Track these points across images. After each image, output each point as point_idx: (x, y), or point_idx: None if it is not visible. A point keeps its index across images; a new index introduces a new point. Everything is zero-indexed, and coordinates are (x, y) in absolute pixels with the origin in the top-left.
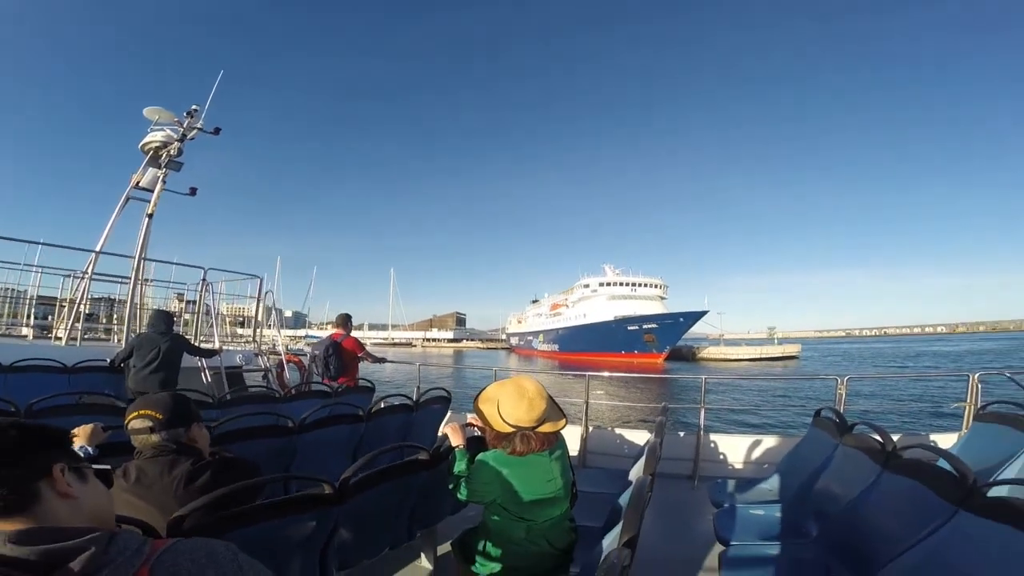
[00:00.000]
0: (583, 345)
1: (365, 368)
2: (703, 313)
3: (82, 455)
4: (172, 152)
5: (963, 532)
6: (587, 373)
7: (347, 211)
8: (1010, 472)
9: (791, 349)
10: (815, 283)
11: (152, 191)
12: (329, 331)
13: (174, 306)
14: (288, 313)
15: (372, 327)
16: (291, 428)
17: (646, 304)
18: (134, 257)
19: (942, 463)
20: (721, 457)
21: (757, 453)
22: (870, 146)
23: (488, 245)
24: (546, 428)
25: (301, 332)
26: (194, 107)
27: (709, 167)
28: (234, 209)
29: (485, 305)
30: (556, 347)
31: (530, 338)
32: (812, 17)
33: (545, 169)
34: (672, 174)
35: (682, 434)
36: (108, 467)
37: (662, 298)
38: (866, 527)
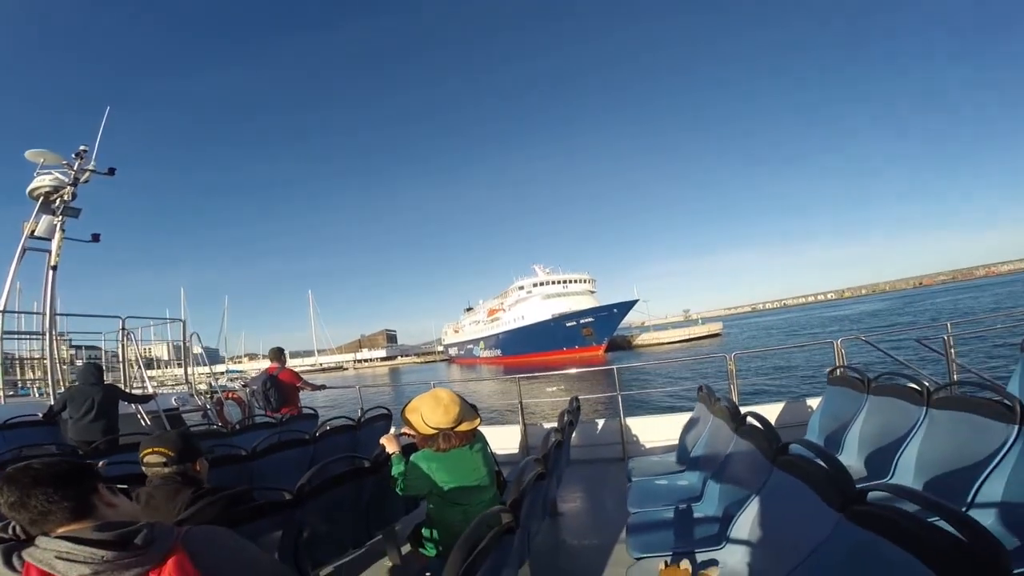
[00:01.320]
0: (525, 347)
1: (305, 397)
2: (634, 302)
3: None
4: (66, 197)
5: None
6: (518, 376)
7: (254, 237)
8: (854, 430)
9: (714, 328)
10: (720, 265)
11: (50, 240)
12: (246, 364)
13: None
14: (197, 349)
15: (295, 355)
16: (246, 456)
17: (579, 299)
18: (43, 314)
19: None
20: (642, 437)
21: (669, 430)
22: (754, 136)
23: (410, 259)
24: (463, 427)
25: (220, 367)
26: (83, 147)
27: (618, 163)
28: (127, 242)
29: (415, 319)
30: (499, 352)
31: (470, 346)
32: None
33: (458, 180)
34: (584, 172)
35: (604, 421)
36: (127, 486)
37: (592, 292)
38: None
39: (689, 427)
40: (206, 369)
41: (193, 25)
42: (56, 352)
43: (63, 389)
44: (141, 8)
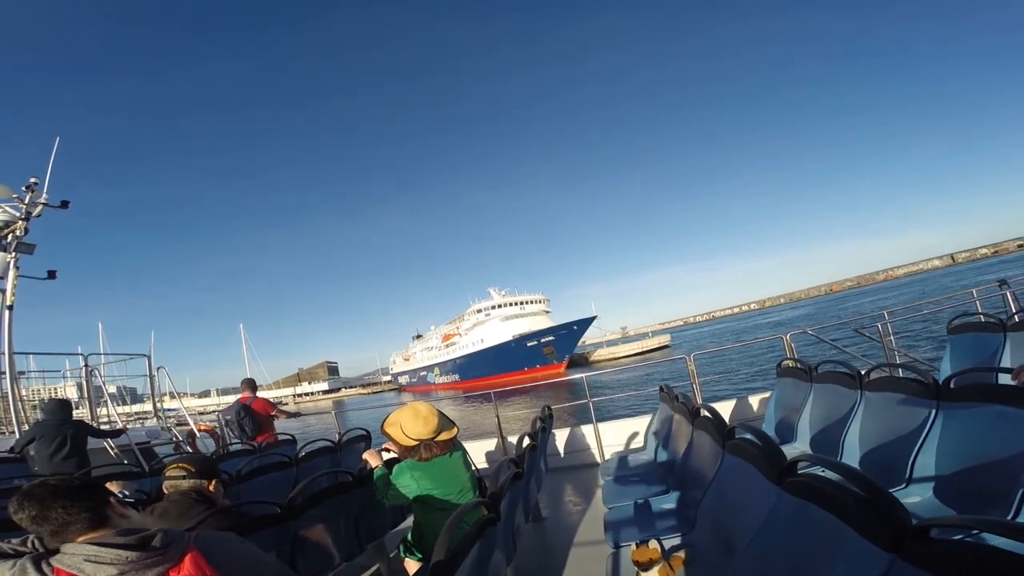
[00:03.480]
0: (485, 369)
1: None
2: (593, 319)
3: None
4: (18, 233)
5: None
6: (492, 392)
7: (179, 275)
8: (804, 417)
9: (663, 340)
10: (650, 283)
11: (3, 279)
12: (169, 403)
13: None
14: (112, 389)
15: (228, 391)
16: (229, 480)
17: (536, 319)
18: (3, 353)
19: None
20: (615, 440)
21: (640, 431)
22: (681, 161)
23: (348, 291)
24: (443, 436)
25: (147, 407)
26: (33, 180)
27: (539, 189)
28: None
29: (356, 351)
30: (456, 376)
31: (423, 373)
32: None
33: (392, 211)
34: (525, 199)
35: (578, 428)
36: (133, 500)
37: (547, 312)
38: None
39: (654, 425)
40: (180, 403)
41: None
42: (17, 391)
43: (27, 427)
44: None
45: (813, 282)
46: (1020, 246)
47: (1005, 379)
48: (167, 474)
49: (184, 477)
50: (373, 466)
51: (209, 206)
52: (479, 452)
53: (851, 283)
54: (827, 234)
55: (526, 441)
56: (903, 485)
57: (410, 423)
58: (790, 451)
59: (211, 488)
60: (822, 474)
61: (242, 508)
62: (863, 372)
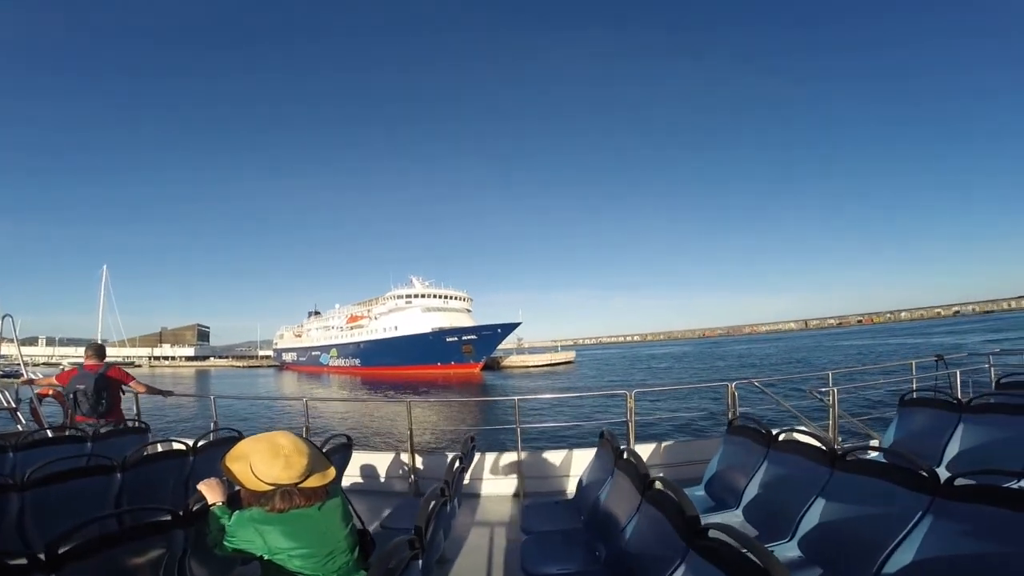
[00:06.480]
0: (393, 358)
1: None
2: (517, 324)
3: None
4: None
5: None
6: (408, 399)
7: (29, 194)
8: (754, 483)
9: (569, 355)
10: (550, 302)
11: None
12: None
13: None
14: (9, 333)
15: (71, 343)
16: (12, 485)
17: (459, 316)
18: None
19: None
20: (542, 472)
21: (566, 467)
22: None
23: (234, 249)
24: (312, 482)
25: None
26: None
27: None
28: None
29: (232, 318)
30: (356, 361)
31: (316, 353)
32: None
33: (306, 175)
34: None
35: (502, 453)
36: None
37: (469, 311)
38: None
39: (589, 473)
40: (20, 355)
41: None
42: None
43: None
44: None
45: (688, 325)
46: (859, 321)
47: None
48: None
49: None
50: (211, 503)
51: (81, 123)
52: (380, 463)
53: (722, 331)
54: (704, 285)
55: (456, 464)
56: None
57: (265, 462)
58: (729, 519)
59: None
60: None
61: None
62: (836, 448)
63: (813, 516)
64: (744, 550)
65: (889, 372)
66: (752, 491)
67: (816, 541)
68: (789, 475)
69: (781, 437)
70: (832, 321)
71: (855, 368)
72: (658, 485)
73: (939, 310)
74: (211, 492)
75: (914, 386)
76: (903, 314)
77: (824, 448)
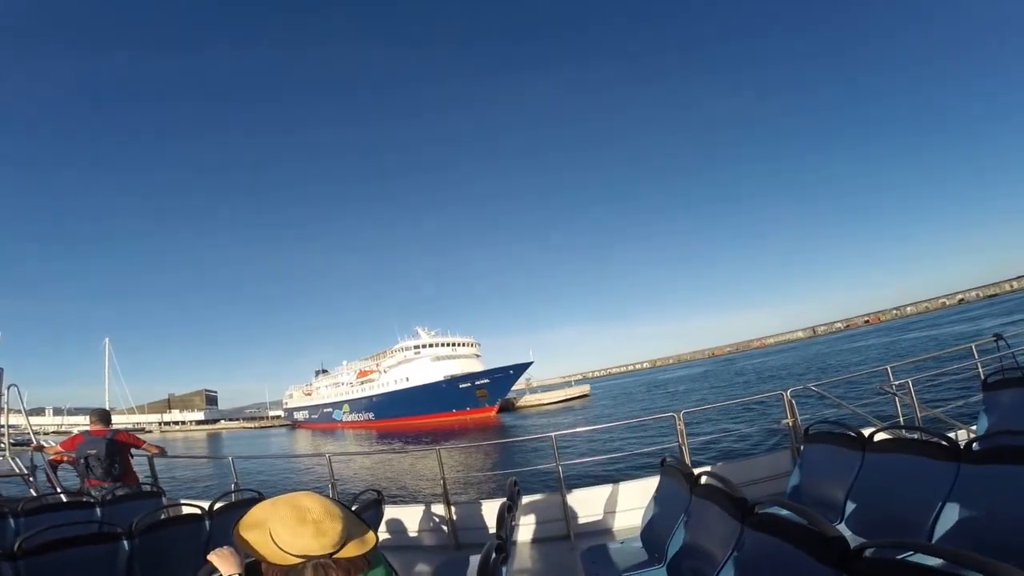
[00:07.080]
0: (407, 409)
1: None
2: (529, 364)
3: None
4: None
5: None
6: (438, 446)
7: (32, 269)
8: (857, 490)
9: (584, 389)
10: (552, 339)
11: None
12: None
13: None
14: (17, 405)
15: (76, 411)
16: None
17: (468, 362)
18: None
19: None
20: (590, 512)
21: (616, 502)
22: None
23: (237, 317)
24: (349, 551)
25: None
26: None
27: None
28: None
29: (239, 382)
30: (371, 415)
31: (328, 410)
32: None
33: (302, 241)
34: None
35: (544, 495)
36: None
37: (478, 356)
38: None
39: (656, 505)
40: (28, 426)
41: None
42: None
43: None
44: None
45: (696, 347)
46: (866, 321)
47: None
48: None
49: None
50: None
51: (79, 199)
52: (413, 517)
53: (730, 348)
54: (708, 306)
55: (507, 514)
56: None
57: (289, 530)
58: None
59: None
60: None
61: None
62: (959, 442)
63: (948, 519)
64: None
65: (943, 361)
66: (856, 499)
67: (971, 550)
68: (901, 476)
69: (878, 437)
70: (839, 324)
71: (906, 361)
72: (764, 509)
73: (944, 300)
74: (224, 563)
75: (979, 369)
76: (909, 308)
77: (944, 443)
